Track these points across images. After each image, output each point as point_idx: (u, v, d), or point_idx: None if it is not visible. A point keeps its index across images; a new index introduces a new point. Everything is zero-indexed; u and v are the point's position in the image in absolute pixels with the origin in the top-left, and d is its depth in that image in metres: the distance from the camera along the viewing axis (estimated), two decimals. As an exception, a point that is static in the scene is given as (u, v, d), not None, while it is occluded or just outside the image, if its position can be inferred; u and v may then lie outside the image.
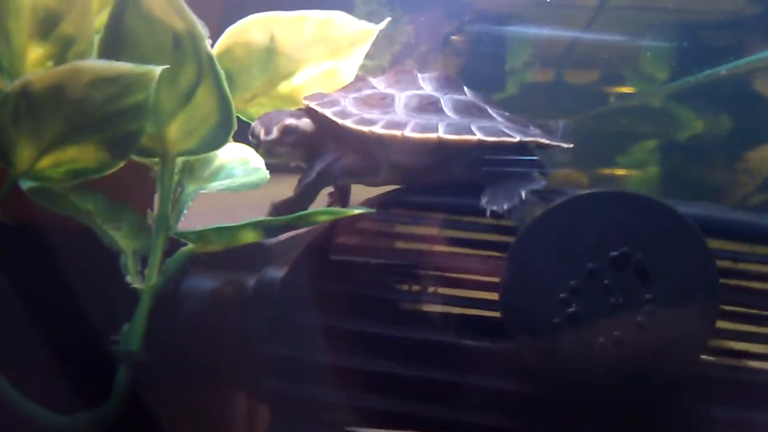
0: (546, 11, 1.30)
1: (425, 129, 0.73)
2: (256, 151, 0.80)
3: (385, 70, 0.88)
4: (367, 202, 0.77)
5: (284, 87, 0.86)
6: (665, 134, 1.36)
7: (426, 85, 0.80)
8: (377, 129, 0.74)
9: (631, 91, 1.36)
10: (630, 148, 1.38)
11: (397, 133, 0.73)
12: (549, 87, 1.37)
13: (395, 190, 0.80)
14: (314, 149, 0.79)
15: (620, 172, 1.40)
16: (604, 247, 0.67)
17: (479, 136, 0.73)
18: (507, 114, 0.80)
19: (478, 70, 1.35)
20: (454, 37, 1.31)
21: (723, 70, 1.26)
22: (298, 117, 0.79)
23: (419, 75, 0.82)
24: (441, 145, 0.73)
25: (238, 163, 0.89)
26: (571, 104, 1.34)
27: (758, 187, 1.31)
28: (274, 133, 0.77)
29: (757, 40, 1.25)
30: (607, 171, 1.40)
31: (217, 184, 0.86)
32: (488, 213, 0.71)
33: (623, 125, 1.39)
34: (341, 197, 0.89)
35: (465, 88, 0.82)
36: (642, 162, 1.38)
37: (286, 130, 0.77)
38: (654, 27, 1.31)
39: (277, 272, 0.79)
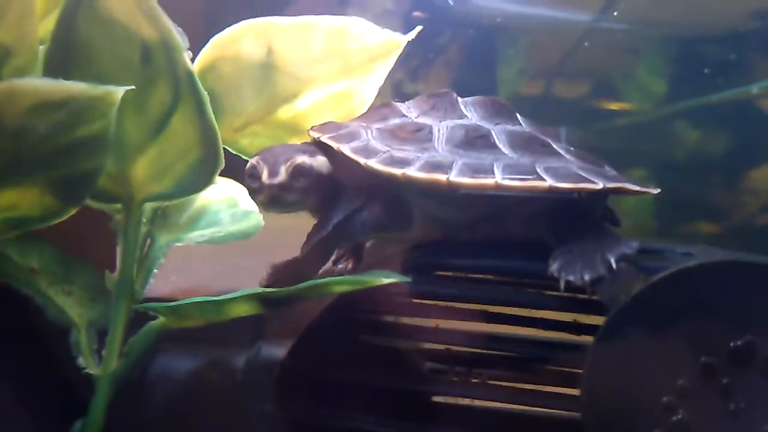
0: (542, 22, 1.27)
1: (477, 172, 0.60)
2: (254, 198, 0.65)
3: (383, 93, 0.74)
4: (400, 265, 0.63)
5: (285, 112, 0.74)
6: (664, 152, 1.31)
7: (470, 113, 0.67)
8: (413, 172, 0.60)
9: (631, 108, 1.33)
10: (627, 165, 1.30)
11: (441, 177, 0.60)
12: (540, 102, 1.32)
13: (432, 249, 0.66)
14: (328, 196, 0.65)
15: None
16: (723, 335, 0.55)
17: (550, 181, 0.59)
18: (573, 149, 0.66)
19: (469, 81, 1.33)
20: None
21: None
22: (312, 154, 0.64)
23: (459, 99, 0.68)
24: (497, 194, 0.60)
25: (225, 205, 0.79)
26: (565, 120, 1.29)
27: (762, 208, 1.26)
28: (282, 175, 0.61)
29: (759, 57, 1.23)
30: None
31: (196, 235, 0.76)
32: (562, 284, 0.57)
33: (621, 142, 1.33)
34: (354, 253, 0.74)
35: (518, 116, 0.68)
36: (640, 180, 1.33)
37: (298, 171, 0.62)
38: (653, 41, 1.29)
39: (274, 349, 0.67)
